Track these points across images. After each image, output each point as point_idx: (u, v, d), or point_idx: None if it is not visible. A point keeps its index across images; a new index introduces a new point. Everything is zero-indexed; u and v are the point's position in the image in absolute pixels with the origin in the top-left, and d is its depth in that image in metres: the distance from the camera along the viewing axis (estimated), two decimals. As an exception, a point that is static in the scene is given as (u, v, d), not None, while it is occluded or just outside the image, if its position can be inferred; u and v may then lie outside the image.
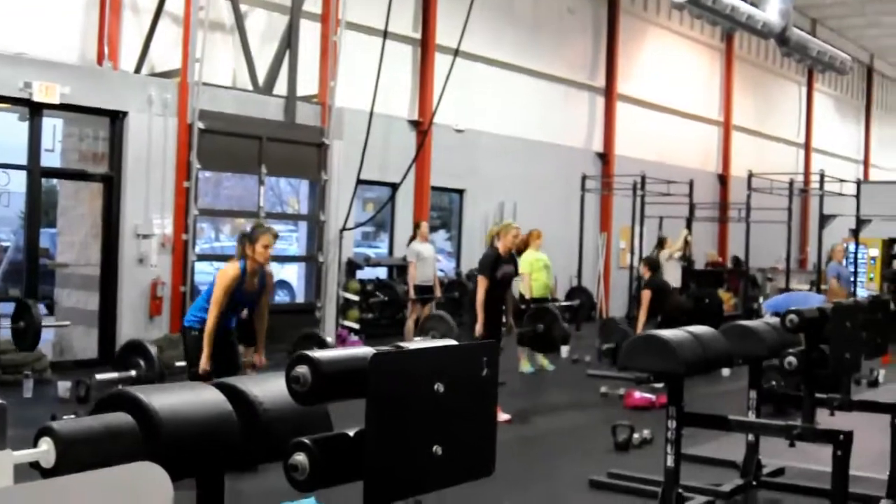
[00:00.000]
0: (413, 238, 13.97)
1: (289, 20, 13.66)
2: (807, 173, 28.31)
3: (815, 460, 6.73)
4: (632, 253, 19.33)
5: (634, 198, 19.08)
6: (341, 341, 13.55)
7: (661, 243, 17.15)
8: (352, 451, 2.52)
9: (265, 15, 14.48)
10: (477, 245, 16.27)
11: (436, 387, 2.48)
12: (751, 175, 19.39)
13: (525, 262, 12.25)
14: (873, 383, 12.22)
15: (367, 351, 2.56)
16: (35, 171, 11.48)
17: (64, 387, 9.73)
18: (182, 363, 7.84)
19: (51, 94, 11.04)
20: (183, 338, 7.37)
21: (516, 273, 9.79)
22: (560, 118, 20.63)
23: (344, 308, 14.86)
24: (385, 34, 14.96)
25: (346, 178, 14.41)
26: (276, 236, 9.77)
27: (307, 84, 13.88)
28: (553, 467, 7.71)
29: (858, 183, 20.43)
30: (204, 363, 6.89)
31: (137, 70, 12.57)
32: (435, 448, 2.49)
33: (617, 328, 12.67)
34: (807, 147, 31.22)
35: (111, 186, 11.99)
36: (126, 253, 11.91)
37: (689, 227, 19.17)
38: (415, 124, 17.08)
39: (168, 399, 2.71)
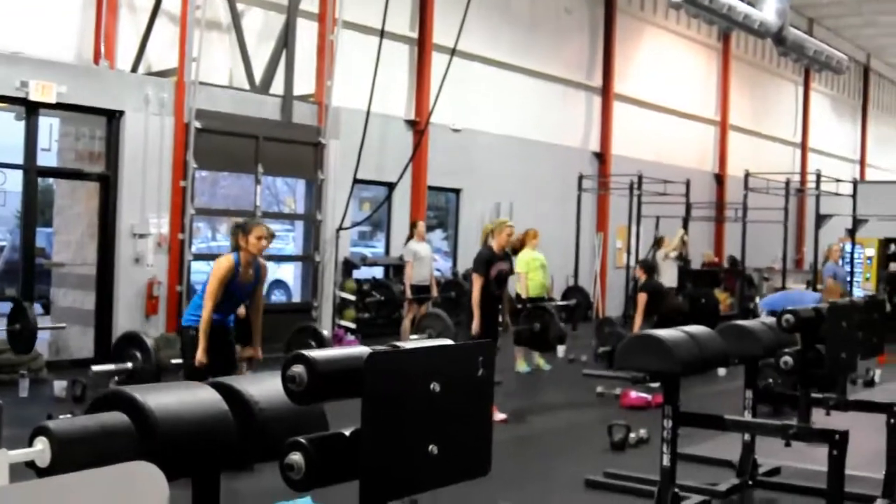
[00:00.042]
0: (410, 237, 13.97)
1: (285, 19, 13.65)
2: (803, 173, 28.31)
3: (811, 460, 6.73)
4: (628, 253, 19.33)
5: (631, 197, 19.08)
6: (338, 341, 13.54)
7: (658, 243, 17.17)
8: (348, 450, 2.52)
9: (262, 14, 14.47)
10: (473, 245, 16.24)
11: (432, 386, 2.48)
12: (747, 175, 19.40)
13: (521, 261, 12.25)
14: (869, 383, 12.23)
15: (363, 350, 2.57)
16: (31, 171, 11.46)
17: (60, 386, 9.73)
18: (178, 361, 7.82)
19: (47, 93, 11.02)
20: (181, 337, 7.36)
21: (511, 271, 9.79)
22: (557, 118, 20.63)
23: (340, 307, 14.85)
24: (382, 33, 14.95)
25: (342, 178, 14.40)
26: (272, 236, 9.77)
27: (304, 83, 13.88)
28: (549, 467, 7.71)
29: (855, 183, 20.43)
30: (200, 355, 6.87)
31: (134, 69, 12.56)
32: (431, 447, 2.49)
33: (613, 332, 12.68)
34: (803, 147, 31.23)
35: (107, 186, 11.98)
36: (122, 252, 11.89)
37: (685, 226, 19.17)
38: (411, 124, 17.07)
39: (164, 398, 2.71)
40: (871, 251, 20.46)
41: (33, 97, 10.95)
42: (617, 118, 22.21)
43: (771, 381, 9.13)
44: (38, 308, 12.54)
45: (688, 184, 19.75)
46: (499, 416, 8.97)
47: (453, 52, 15.80)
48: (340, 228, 14.60)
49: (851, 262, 19.61)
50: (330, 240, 14.19)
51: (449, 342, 2.85)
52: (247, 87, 13.32)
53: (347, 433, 2.56)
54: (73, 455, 2.45)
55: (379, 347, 2.57)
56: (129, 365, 8.55)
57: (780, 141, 29.92)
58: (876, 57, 34.86)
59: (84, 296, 12.18)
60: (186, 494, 2.75)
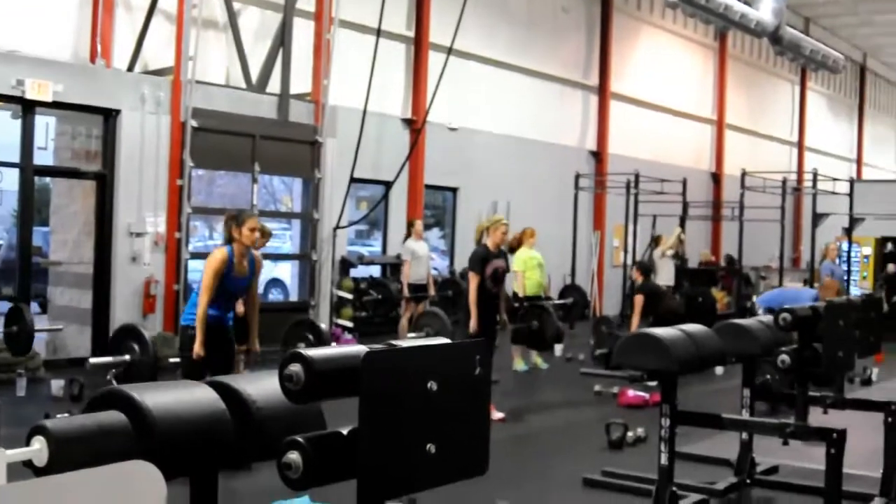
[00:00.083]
0: (408, 236, 13.97)
1: (282, 18, 13.65)
2: (800, 172, 28.37)
3: (809, 458, 6.74)
4: (625, 251, 19.35)
5: (628, 196, 19.09)
6: (335, 339, 13.53)
7: (655, 241, 17.18)
8: (345, 449, 2.52)
9: (258, 13, 14.47)
10: (470, 243, 16.15)
11: (429, 385, 2.48)
12: (744, 174, 19.41)
13: (519, 260, 12.25)
14: (866, 382, 12.25)
15: (360, 349, 2.56)
16: (28, 169, 11.45)
17: (57, 385, 9.72)
18: (175, 359, 7.80)
19: (43, 91, 11.01)
20: (181, 337, 7.35)
21: (507, 269, 9.78)
22: (554, 116, 20.63)
23: (338, 306, 14.85)
24: (378, 32, 14.95)
25: (339, 177, 14.40)
26: (269, 234, 9.77)
27: (300, 82, 13.88)
28: (547, 466, 7.71)
29: (851, 181, 20.45)
30: (197, 348, 6.86)
31: (130, 68, 12.55)
32: (428, 446, 2.48)
33: (610, 334, 12.68)
34: (800, 146, 31.26)
35: (104, 184, 11.97)
36: (119, 251, 11.89)
37: (682, 225, 19.19)
38: (408, 122, 17.08)
39: (161, 397, 2.70)
40: (868, 250, 20.49)
41: (30, 96, 10.93)
42: (614, 117, 22.22)
43: (769, 376, 9.13)
44: (35, 307, 12.54)
45: (684, 183, 19.78)
46: (496, 414, 8.97)
47: (450, 50, 15.80)
48: (337, 227, 14.61)
49: (848, 261, 19.64)
50: (327, 238, 14.19)
51: (446, 341, 2.85)
52: (243, 85, 13.32)
53: (345, 432, 2.55)
54: (70, 454, 2.45)
55: (376, 346, 2.57)
56: (127, 357, 8.48)
57: (777, 140, 29.95)
58: (872, 56, 34.89)
59: (81, 294, 12.17)
60: (184, 493, 2.74)
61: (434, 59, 16.72)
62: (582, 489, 6.98)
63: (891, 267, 19.18)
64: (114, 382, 8.19)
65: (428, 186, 17.46)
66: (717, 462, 7.36)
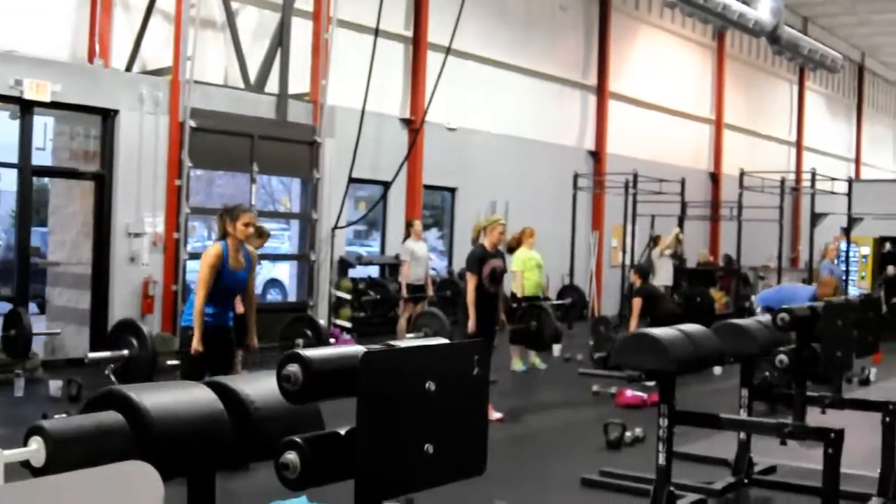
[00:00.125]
0: (407, 236, 13.97)
1: (280, 18, 13.65)
2: (798, 171, 28.38)
3: (807, 458, 6.74)
4: (624, 251, 19.36)
5: (626, 196, 19.09)
6: (333, 340, 13.53)
7: (655, 241, 17.20)
8: (343, 449, 2.52)
9: (256, 12, 14.46)
10: (469, 243, 16.26)
11: (427, 385, 2.48)
12: (742, 173, 19.43)
13: (518, 259, 12.24)
14: (865, 382, 12.25)
15: (358, 349, 2.56)
16: (26, 170, 11.44)
17: (55, 385, 9.71)
18: (173, 362, 7.80)
19: (42, 91, 11.00)
20: (181, 338, 7.33)
21: (505, 268, 9.77)
22: (552, 116, 20.63)
23: (336, 307, 14.85)
24: (377, 32, 14.95)
25: (337, 177, 14.40)
26: (267, 235, 9.76)
27: (299, 82, 13.87)
28: (545, 466, 7.71)
29: (850, 181, 20.46)
30: (195, 344, 6.85)
31: (128, 68, 12.54)
32: (426, 447, 2.48)
33: (609, 336, 12.68)
34: (798, 145, 31.28)
35: (102, 185, 11.97)
36: (117, 251, 11.89)
37: (680, 225, 19.21)
38: (407, 122, 17.07)
39: (159, 398, 2.70)
40: (867, 250, 20.50)
41: (28, 96, 10.93)
42: (612, 117, 22.22)
43: (767, 374, 9.13)
44: (33, 307, 12.54)
45: (683, 182, 19.79)
46: (495, 415, 8.97)
47: (448, 50, 15.80)
48: (336, 227, 14.60)
49: (847, 261, 19.64)
50: (325, 239, 14.19)
51: (444, 341, 2.85)
52: (242, 85, 13.32)
53: (343, 432, 2.55)
54: (67, 455, 2.45)
55: (374, 346, 2.57)
56: (126, 352, 8.49)
57: (775, 140, 29.96)
58: (870, 56, 34.90)
59: (79, 295, 12.17)
60: (182, 493, 2.74)
61: (432, 59, 16.72)
62: (580, 489, 6.98)
63: (891, 269, 19.18)
64: (112, 377, 8.20)
65: (426, 186, 17.46)
66: (715, 462, 7.36)
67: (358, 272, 16.06)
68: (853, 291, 18.43)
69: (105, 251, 11.90)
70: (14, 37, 11.46)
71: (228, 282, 7.04)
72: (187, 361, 6.95)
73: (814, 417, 6.06)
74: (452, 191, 18.42)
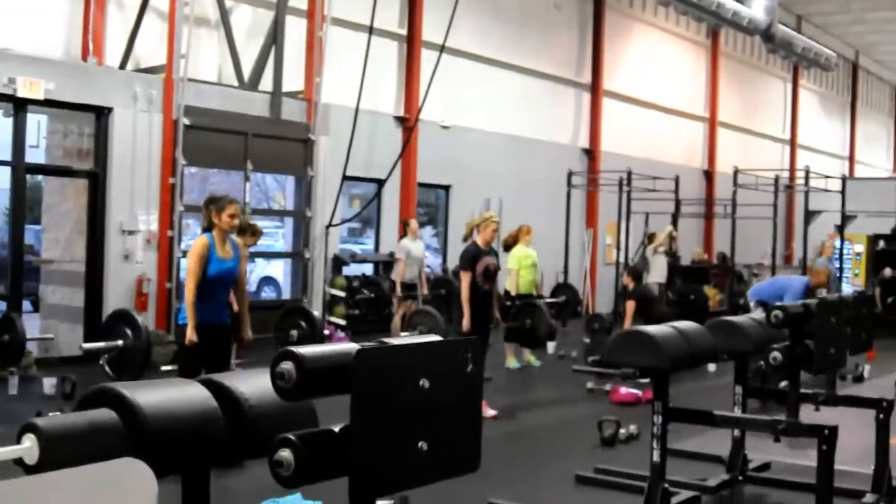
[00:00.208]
0: (403, 235, 13.95)
1: (274, 16, 13.63)
2: (792, 169, 28.40)
3: (801, 455, 6.75)
4: (618, 249, 19.36)
5: (620, 194, 19.10)
6: (328, 338, 13.52)
7: (650, 239, 17.21)
8: (337, 446, 2.52)
9: (250, 10, 14.45)
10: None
11: (421, 382, 2.48)
12: (736, 171, 19.46)
13: (514, 257, 12.24)
14: (858, 379, 12.27)
15: (351, 347, 2.56)
16: (19, 168, 11.42)
17: (49, 383, 9.69)
18: (168, 367, 7.79)
19: (35, 89, 10.98)
20: (177, 337, 7.32)
21: (498, 266, 9.76)
22: (546, 114, 20.63)
23: (330, 304, 14.84)
24: (371, 30, 14.94)
25: (332, 175, 14.40)
26: (260, 233, 9.76)
27: (293, 80, 13.86)
28: (539, 463, 7.71)
29: (843, 179, 20.52)
30: (190, 333, 6.84)
31: (122, 66, 12.53)
32: (420, 444, 2.49)
33: (602, 338, 12.69)
34: (792, 143, 31.31)
35: (96, 183, 11.95)
36: (111, 249, 11.87)
37: (674, 223, 19.23)
38: (401, 120, 17.07)
39: (153, 396, 2.70)
40: (860, 247, 20.54)
41: (21, 94, 10.91)
42: (606, 115, 22.22)
43: (762, 363, 9.12)
44: (26, 305, 12.51)
45: (677, 180, 19.80)
46: (489, 412, 8.97)
47: (442, 48, 15.80)
48: (330, 225, 14.60)
49: (840, 259, 19.68)
50: (319, 236, 14.18)
51: (438, 338, 2.85)
52: (235, 83, 13.30)
53: (337, 430, 2.55)
54: (61, 452, 2.44)
55: (368, 344, 2.57)
56: (120, 342, 8.46)
57: (769, 138, 29.99)
58: (864, 54, 34.95)
59: (73, 293, 12.15)
60: (176, 491, 2.74)
61: (426, 57, 16.72)
62: (574, 486, 6.98)
63: (888, 271, 19.17)
64: (106, 367, 8.17)
65: (420, 184, 17.45)
66: (709, 459, 7.37)
67: (352, 270, 16.05)
68: (847, 289, 18.45)
69: (99, 249, 11.89)
70: (7, 34, 11.43)
71: (218, 271, 6.98)
72: (183, 355, 6.94)
73: (808, 414, 6.07)
74: (447, 188, 18.41)
